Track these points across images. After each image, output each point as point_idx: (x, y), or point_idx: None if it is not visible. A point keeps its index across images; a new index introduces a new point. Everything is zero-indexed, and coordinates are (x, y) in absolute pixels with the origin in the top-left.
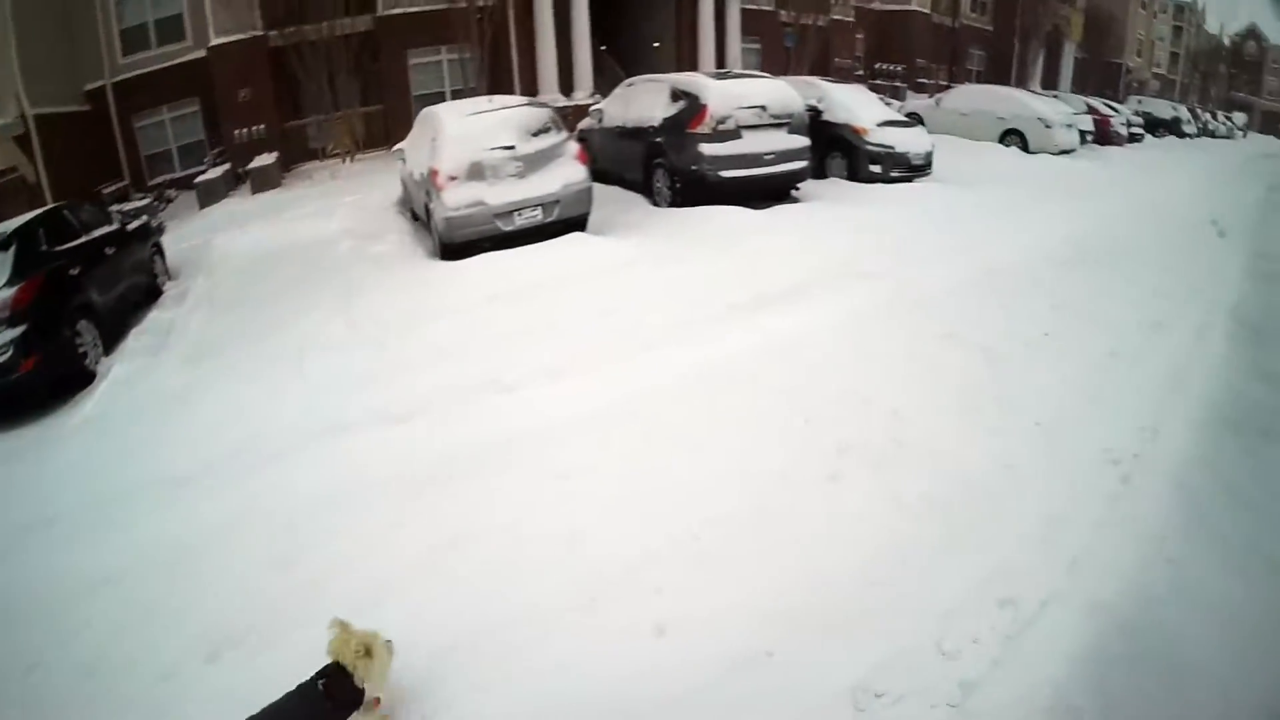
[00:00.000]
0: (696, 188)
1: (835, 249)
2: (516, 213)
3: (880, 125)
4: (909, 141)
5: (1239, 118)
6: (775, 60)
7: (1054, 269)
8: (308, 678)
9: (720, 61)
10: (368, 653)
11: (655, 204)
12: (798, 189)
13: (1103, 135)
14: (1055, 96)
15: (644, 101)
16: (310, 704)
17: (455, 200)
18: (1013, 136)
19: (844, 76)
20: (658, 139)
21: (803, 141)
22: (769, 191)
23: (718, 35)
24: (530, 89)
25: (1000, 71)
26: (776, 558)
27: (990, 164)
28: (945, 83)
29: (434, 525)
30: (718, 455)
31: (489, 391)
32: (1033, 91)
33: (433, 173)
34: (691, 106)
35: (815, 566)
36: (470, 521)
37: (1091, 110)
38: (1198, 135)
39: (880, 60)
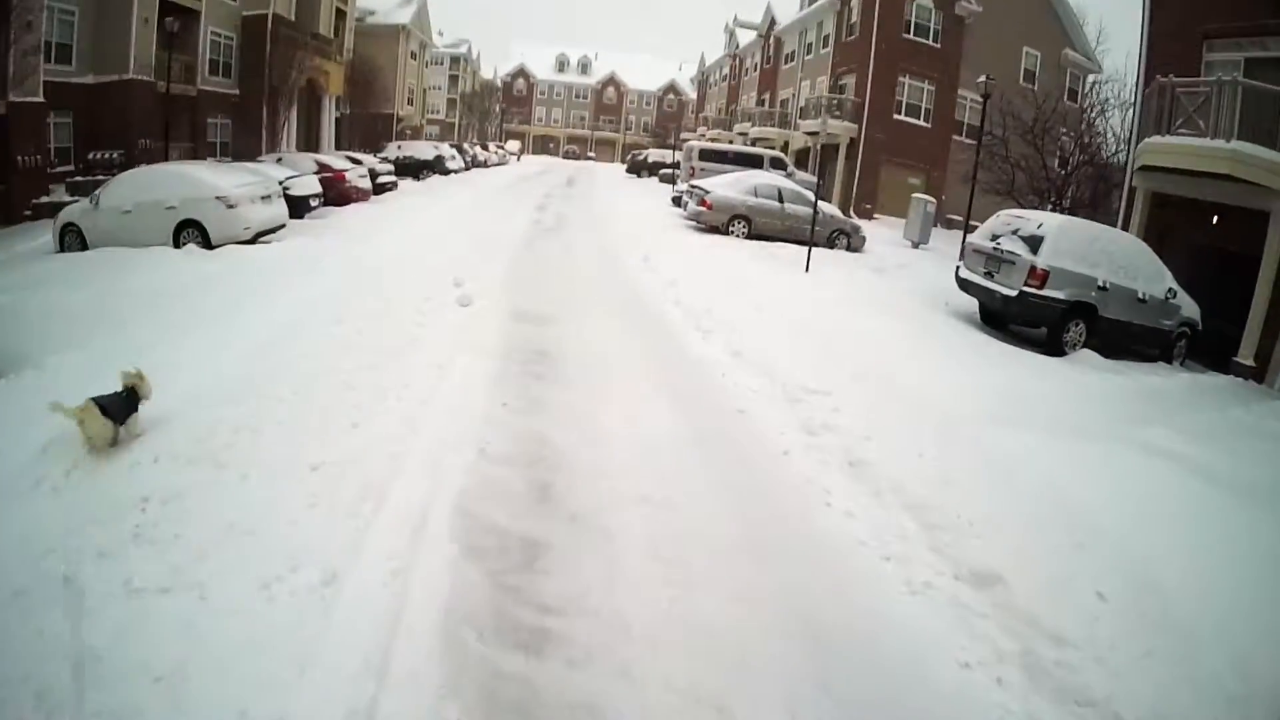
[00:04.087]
0: None
1: None
2: None
3: None
4: None
5: (513, 145)
6: None
7: None
8: (119, 389)
9: None
10: (142, 378)
11: None
12: None
13: (339, 194)
14: (279, 160)
15: None
16: (125, 398)
17: None
18: (190, 229)
19: (32, 179)
20: None
21: None
22: None
23: None
24: None
25: (250, 138)
26: None
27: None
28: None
29: None
30: None
31: None
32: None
33: None
34: None
35: None
36: None
37: (323, 168)
38: (467, 168)
39: (97, 147)
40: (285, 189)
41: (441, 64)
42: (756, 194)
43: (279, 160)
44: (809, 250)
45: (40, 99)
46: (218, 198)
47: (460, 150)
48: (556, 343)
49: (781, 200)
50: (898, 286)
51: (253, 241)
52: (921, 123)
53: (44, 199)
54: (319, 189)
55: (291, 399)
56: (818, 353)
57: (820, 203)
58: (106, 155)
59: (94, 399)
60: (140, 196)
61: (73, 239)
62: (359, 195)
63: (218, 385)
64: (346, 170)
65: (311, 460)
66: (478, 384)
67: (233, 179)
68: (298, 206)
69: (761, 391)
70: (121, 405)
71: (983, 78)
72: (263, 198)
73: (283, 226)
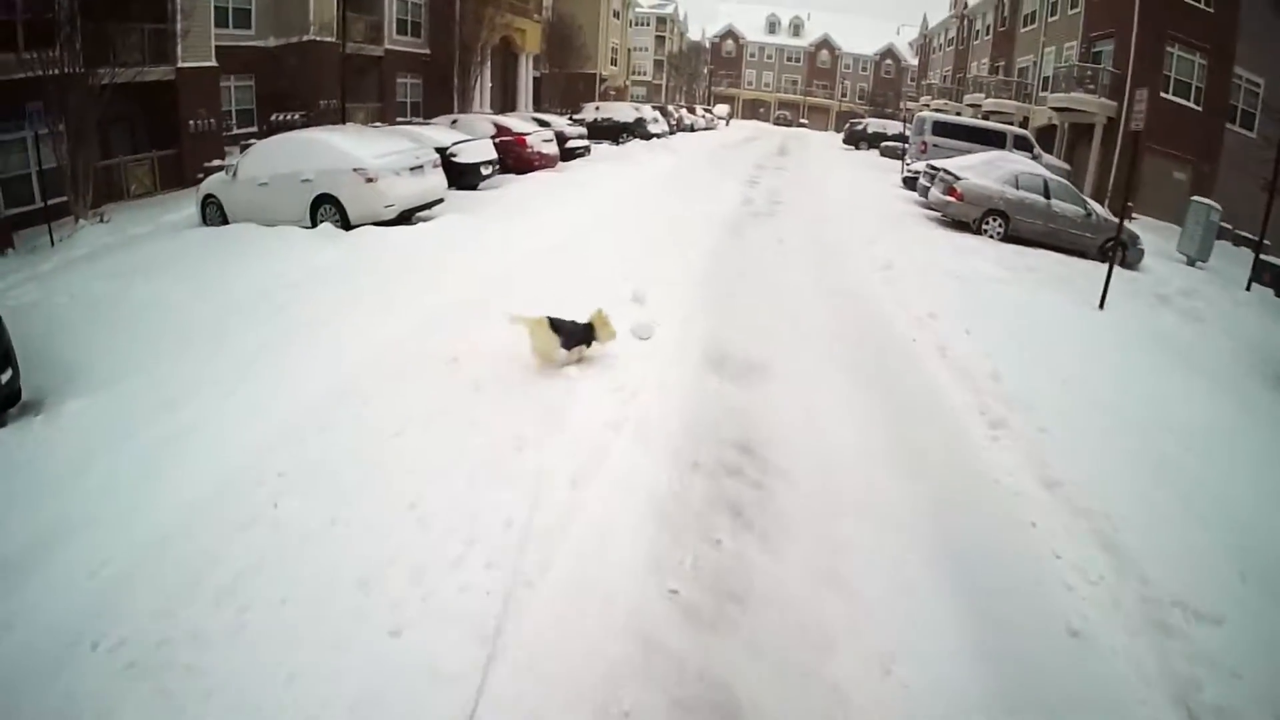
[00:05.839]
0: None
1: None
2: None
3: None
4: None
5: (721, 109)
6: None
7: None
8: (585, 320)
9: None
10: (605, 323)
11: None
12: None
13: (519, 161)
14: (454, 122)
15: None
16: (583, 329)
17: None
18: (327, 205)
19: (205, 142)
20: None
21: None
22: None
23: None
24: None
25: (442, 99)
26: None
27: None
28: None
29: None
30: None
31: None
32: (419, 122)
33: None
34: None
35: None
36: None
37: (501, 131)
38: (671, 133)
39: (279, 108)
40: (451, 156)
41: (647, 24)
42: (1018, 185)
43: (454, 123)
44: (1107, 279)
45: (212, 63)
46: (355, 170)
47: (664, 113)
48: (767, 424)
49: (1048, 195)
50: (1208, 339)
51: (405, 219)
52: (1191, 104)
53: (215, 162)
54: (493, 155)
55: (303, 589)
56: (1171, 500)
57: (1091, 202)
58: (288, 117)
59: (552, 319)
60: (277, 168)
61: (213, 212)
62: (543, 162)
63: (206, 508)
64: (528, 134)
65: None
66: (630, 524)
67: (377, 147)
68: (468, 175)
69: (1103, 588)
70: (577, 334)
71: None
72: (411, 169)
73: (440, 201)
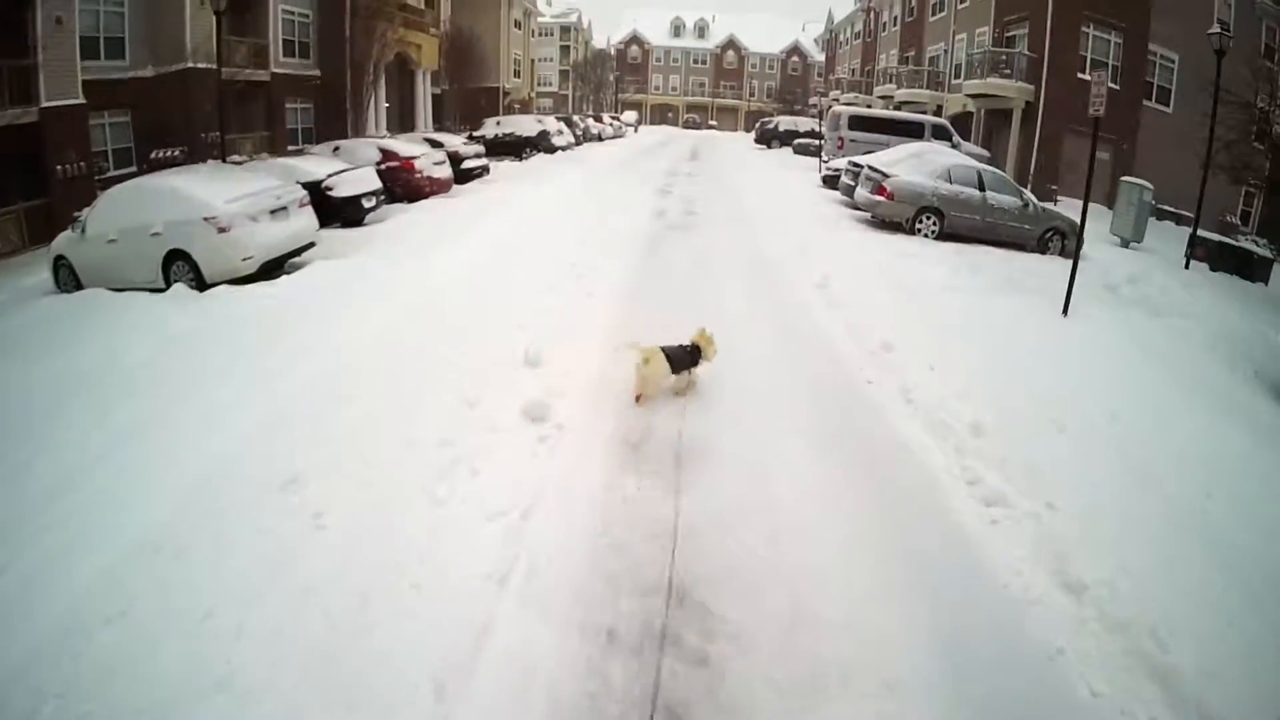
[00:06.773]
0: None
1: None
2: None
3: None
4: None
5: (629, 115)
6: None
7: None
8: (689, 342)
9: None
10: (710, 341)
11: None
12: None
13: (408, 188)
14: (336, 149)
15: None
16: (689, 352)
17: None
18: (181, 262)
19: (76, 188)
20: None
21: None
22: None
23: None
24: None
25: (336, 123)
26: None
27: None
28: (250, 158)
29: None
30: None
31: None
32: (307, 151)
33: None
34: None
35: None
36: None
37: (387, 156)
38: (578, 144)
39: (160, 144)
40: (327, 190)
41: (551, 34)
42: (950, 179)
43: (335, 150)
44: (1070, 284)
45: (79, 100)
46: (206, 219)
47: (569, 123)
48: (706, 549)
49: (983, 188)
50: (1184, 339)
51: (274, 269)
52: (1109, 83)
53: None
54: (377, 184)
55: None
56: (1219, 586)
57: (1026, 192)
58: (169, 154)
59: (663, 347)
60: (125, 221)
61: (66, 275)
62: (435, 187)
63: None
64: (416, 157)
65: None
66: None
67: (231, 190)
68: (349, 209)
69: None
70: (684, 358)
71: (1215, 28)
72: (273, 211)
73: (311, 245)
